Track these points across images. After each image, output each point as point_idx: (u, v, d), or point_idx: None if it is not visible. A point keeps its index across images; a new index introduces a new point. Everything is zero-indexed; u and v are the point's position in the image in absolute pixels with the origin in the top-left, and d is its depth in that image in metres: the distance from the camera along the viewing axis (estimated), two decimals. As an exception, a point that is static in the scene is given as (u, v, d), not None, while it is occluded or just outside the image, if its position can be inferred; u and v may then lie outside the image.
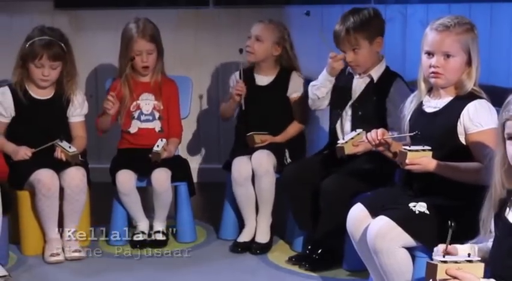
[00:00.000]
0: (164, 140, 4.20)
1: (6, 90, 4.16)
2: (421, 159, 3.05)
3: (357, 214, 3.25)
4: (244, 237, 4.15)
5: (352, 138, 3.58)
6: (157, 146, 4.15)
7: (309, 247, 3.91)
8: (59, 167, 4.03)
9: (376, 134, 3.18)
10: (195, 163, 5.36)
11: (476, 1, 5.04)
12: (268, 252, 4.09)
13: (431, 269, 2.43)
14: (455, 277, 2.39)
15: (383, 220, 3.07)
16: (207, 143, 5.41)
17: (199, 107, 5.33)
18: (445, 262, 2.42)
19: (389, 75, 3.89)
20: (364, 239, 3.17)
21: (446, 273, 2.40)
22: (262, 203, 4.12)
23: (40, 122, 4.14)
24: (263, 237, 4.13)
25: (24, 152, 4.03)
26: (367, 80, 3.92)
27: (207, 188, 5.00)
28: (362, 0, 5.00)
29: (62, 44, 4.10)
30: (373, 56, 3.88)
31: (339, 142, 3.65)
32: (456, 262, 2.43)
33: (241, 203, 4.16)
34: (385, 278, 3.14)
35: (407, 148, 3.09)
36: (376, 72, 3.89)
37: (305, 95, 4.22)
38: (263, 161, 4.07)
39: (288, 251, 4.08)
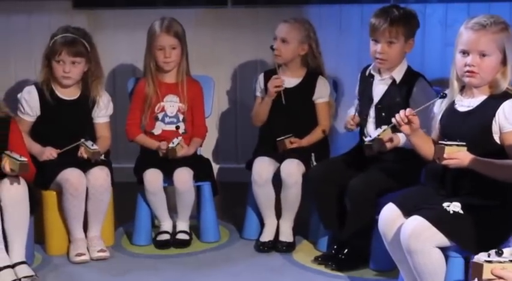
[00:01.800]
0: (180, 137, 4.19)
1: (32, 89, 4.16)
2: (458, 153, 3.06)
3: (389, 214, 3.25)
4: (266, 236, 4.16)
5: (378, 135, 3.60)
6: (173, 142, 4.15)
7: (335, 247, 3.91)
8: (83, 167, 4.03)
9: (404, 112, 3.21)
10: (213, 163, 5.35)
11: (496, 0, 5.02)
12: (293, 252, 4.10)
13: (477, 268, 2.43)
14: (500, 277, 2.39)
15: (417, 220, 3.07)
16: (225, 143, 5.40)
17: (218, 107, 5.32)
18: (490, 261, 2.42)
19: (411, 76, 3.90)
20: (397, 239, 3.18)
21: (491, 273, 2.40)
22: (287, 209, 4.14)
23: (65, 123, 4.13)
24: (286, 237, 4.14)
25: (49, 153, 4.03)
26: (389, 81, 3.92)
27: (224, 188, 4.98)
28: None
29: (85, 42, 4.09)
30: (401, 56, 3.89)
31: (366, 140, 3.67)
32: (500, 262, 2.43)
33: (261, 203, 4.17)
34: (418, 279, 3.15)
35: (443, 142, 3.09)
36: (398, 73, 3.90)
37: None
38: (293, 171, 4.07)
39: (312, 251, 4.08)
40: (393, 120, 3.29)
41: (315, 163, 4.17)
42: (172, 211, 4.29)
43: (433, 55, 5.08)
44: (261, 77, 4.38)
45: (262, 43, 5.18)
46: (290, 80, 4.31)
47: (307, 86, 4.29)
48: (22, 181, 3.72)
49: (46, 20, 5.26)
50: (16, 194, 3.69)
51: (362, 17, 5.18)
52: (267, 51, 5.07)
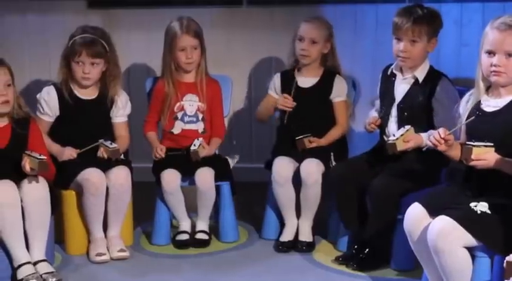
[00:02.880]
0: (201, 138, 4.20)
1: (51, 89, 4.16)
2: (486, 154, 3.07)
3: (415, 214, 3.25)
4: (286, 236, 4.15)
5: (402, 134, 3.61)
6: (194, 145, 4.16)
7: (355, 247, 3.91)
8: (103, 166, 4.02)
9: (439, 134, 3.18)
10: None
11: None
12: (313, 252, 4.09)
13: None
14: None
15: (444, 220, 3.07)
16: (239, 143, 5.39)
17: (232, 106, 5.31)
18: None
19: (434, 75, 3.90)
20: (422, 239, 3.18)
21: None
22: (306, 208, 4.14)
23: (84, 122, 4.13)
24: (306, 237, 4.13)
25: (69, 153, 4.03)
26: (411, 81, 3.92)
27: (239, 188, 4.98)
28: (397, -1, 5.02)
29: (104, 42, 4.09)
30: (424, 55, 3.89)
31: (389, 139, 3.68)
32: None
33: (282, 203, 4.16)
34: (444, 279, 3.15)
35: (470, 143, 3.09)
36: (420, 73, 3.90)
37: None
38: (313, 171, 4.07)
39: (332, 251, 4.08)
40: (428, 142, 3.28)
41: (334, 163, 4.17)
42: (189, 210, 4.29)
43: (448, 55, 5.08)
44: (277, 77, 4.38)
45: (278, 43, 5.19)
46: (307, 79, 4.31)
47: (325, 85, 4.29)
48: (43, 180, 3.73)
49: (61, 20, 5.26)
50: (37, 193, 3.69)
51: (377, 17, 5.19)
52: (282, 51, 5.09)
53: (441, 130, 3.19)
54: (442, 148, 3.22)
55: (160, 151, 4.22)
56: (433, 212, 3.19)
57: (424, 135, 3.69)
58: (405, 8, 3.90)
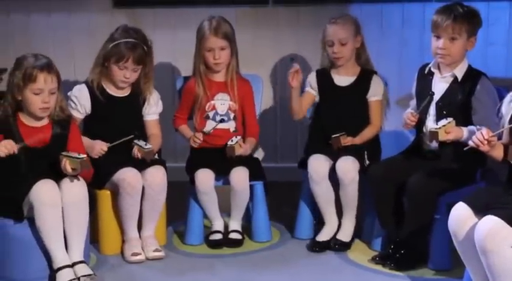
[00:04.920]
0: (239, 136, 4.20)
1: (83, 87, 4.14)
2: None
3: (461, 214, 3.24)
4: (324, 236, 4.14)
5: (444, 125, 3.65)
6: (232, 140, 4.15)
7: (392, 246, 3.90)
8: (139, 166, 4.01)
9: (482, 135, 3.18)
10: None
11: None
12: (348, 251, 4.09)
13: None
14: None
15: (492, 220, 3.07)
16: (265, 142, 5.39)
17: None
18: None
19: (473, 74, 3.90)
20: (468, 239, 3.18)
21: None
22: (348, 208, 4.13)
23: (116, 120, 4.12)
24: (345, 236, 4.13)
25: (100, 147, 4.00)
26: (450, 79, 3.91)
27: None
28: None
29: (145, 47, 4.08)
30: (463, 53, 3.89)
31: (432, 127, 3.70)
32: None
33: (321, 201, 4.15)
34: (491, 279, 3.13)
35: None
36: (460, 71, 3.89)
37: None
38: (349, 169, 4.06)
39: (367, 251, 4.08)
40: (471, 143, 3.26)
41: (367, 162, 4.16)
42: (221, 210, 4.28)
43: (474, 54, 5.04)
44: (312, 76, 4.37)
45: (303, 42, 5.20)
46: (344, 78, 4.31)
47: (362, 84, 4.29)
48: (82, 180, 3.72)
49: (86, 19, 5.27)
50: (77, 193, 3.69)
51: (403, 16, 5.19)
52: (308, 50, 5.11)
53: (485, 131, 3.19)
54: (484, 148, 3.22)
55: (198, 137, 4.19)
56: (479, 212, 3.18)
57: (465, 129, 3.69)
58: (445, 6, 3.89)
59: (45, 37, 5.25)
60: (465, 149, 3.38)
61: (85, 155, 3.68)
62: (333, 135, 4.14)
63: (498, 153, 3.26)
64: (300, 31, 5.20)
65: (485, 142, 3.17)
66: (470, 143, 3.28)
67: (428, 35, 4.00)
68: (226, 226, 4.27)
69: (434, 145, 3.87)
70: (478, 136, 3.19)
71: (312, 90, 4.35)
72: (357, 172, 4.07)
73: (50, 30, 5.27)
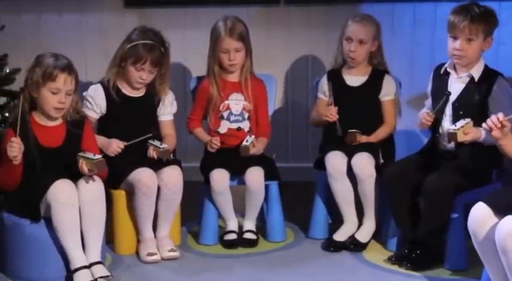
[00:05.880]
0: (253, 136, 4.20)
1: (98, 87, 4.14)
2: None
3: (480, 214, 3.23)
4: (342, 235, 4.13)
5: (462, 126, 3.65)
6: (247, 140, 4.15)
7: (408, 246, 3.89)
8: (154, 166, 4.01)
9: (497, 117, 3.20)
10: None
11: None
12: (363, 251, 4.08)
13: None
14: None
15: (513, 220, 3.07)
16: (277, 142, 5.37)
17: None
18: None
19: (490, 74, 3.90)
20: (488, 239, 3.17)
21: None
22: (367, 205, 4.11)
23: (131, 119, 4.12)
24: (364, 237, 4.12)
25: (116, 145, 4.00)
26: (466, 79, 3.91)
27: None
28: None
29: (163, 49, 4.07)
30: (479, 53, 3.88)
31: (450, 128, 3.71)
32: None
33: (340, 198, 4.13)
34: (511, 278, 3.14)
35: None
36: (476, 71, 3.89)
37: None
38: (365, 165, 4.05)
39: (382, 251, 4.07)
40: (484, 125, 3.28)
41: (382, 160, 4.16)
42: (235, 210, 4.28)
43: (486, 53, 5.04)
44: (324, 79, 4.36)
45: (315, 42, 5.20)
46: (356, 78, 4.30)
47: (374, 84, 4.28)
48: (99, 180, 3.72)
49: (97, 18, 5.27)
50: (93, 193, 3.69)
51: (415, 16, 5.19)
52: (320, 50, 5.11)
53: (500, 114, 3.22)
54: (496, 133, 3.23)
55: (216, 141, 4.18)
56: (498, 212, 3.18)
57: (483, 130, 3.69)
58: (461, 6, 3.88)
59: (56, 37, 5.23)
60: (481, 139, 3.38)
61: (101, 156, 3.67)
62: (349, 130, 4.13)
63: (510, 148, 3.26)
64: (312, 31, 5.20)
65: (499, 125, 3.19)
66: (484, 125, 3.29)
67: (440, 35, 4.00)
68: (240, 226, 4.26)
69: (450, 145, 3.86)
70: (493, 118, 3.22)
71: (324, 97, 4.34)
72: (373, 167, 4.06)
73: (61, 30, 5.27)
